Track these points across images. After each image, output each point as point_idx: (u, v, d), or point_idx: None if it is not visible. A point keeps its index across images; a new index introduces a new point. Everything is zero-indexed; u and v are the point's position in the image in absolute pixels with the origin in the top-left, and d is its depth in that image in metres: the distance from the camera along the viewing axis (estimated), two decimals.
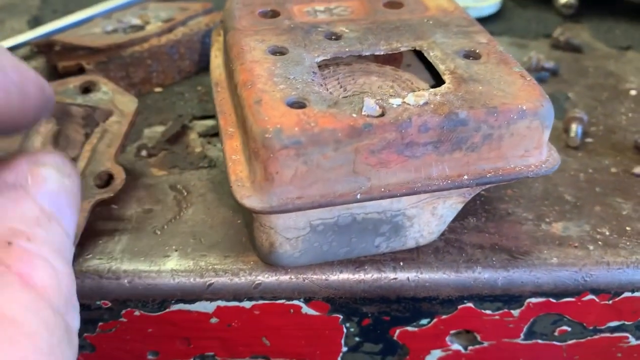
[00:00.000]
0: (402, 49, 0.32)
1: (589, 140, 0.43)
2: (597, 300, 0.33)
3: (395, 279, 0.32)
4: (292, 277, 0.32)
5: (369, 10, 0.35)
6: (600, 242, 0.34)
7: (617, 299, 0.33)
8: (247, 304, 0.33)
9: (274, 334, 0.34)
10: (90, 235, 0.34)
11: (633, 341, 0.35)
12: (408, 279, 0.32)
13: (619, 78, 0.51)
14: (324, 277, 0.32)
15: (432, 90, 0.29)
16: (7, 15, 0.60)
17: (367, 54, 0.32)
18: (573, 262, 0.33)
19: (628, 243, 0.34)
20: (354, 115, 0.27)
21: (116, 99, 0.37)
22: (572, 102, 0.47)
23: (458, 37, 0.32)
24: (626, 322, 0.35)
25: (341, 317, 0.34)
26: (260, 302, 0.33)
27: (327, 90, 0.29)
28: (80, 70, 0.45)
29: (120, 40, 0.46)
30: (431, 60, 0.31)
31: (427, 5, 0.36)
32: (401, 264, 0.32)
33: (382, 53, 0.32)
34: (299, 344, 0.35)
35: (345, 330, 0.34)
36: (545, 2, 0.63)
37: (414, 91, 0.30)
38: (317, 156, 0.26)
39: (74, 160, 0.34)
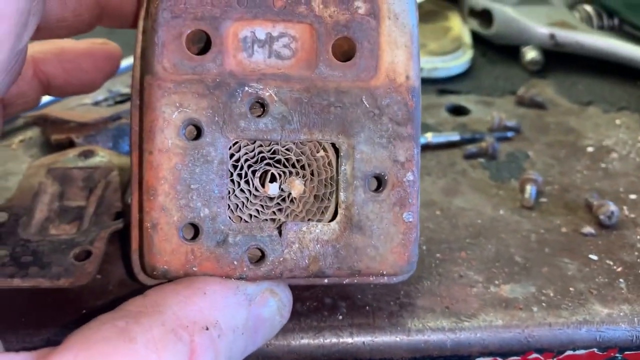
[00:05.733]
0: (323, 142, 0.32)
1: (543, 200, 0.46)
2: (541, 358, 0.36)
3: (351, 343, 0.35)
4: None
5: (312, 58, 0.32)
6: (544, 304, 0.37)
7: (560, 357, 0.36)
8: None
9: None
10: None
11: None
12: (363, 343, 0.35)
13: (579, 134, 0.54)
14: (285, 342, 0.35)
15: (321, 229, 0.32)
16: None
17: (286, 142, 0.32)
18: (517, 324, 0.35)
19: (570, 304, 0.37)
20: (235, 263, 0.31)
21: (114, 159, 0.44)
22: (531, 161, 0.50)
23: (381, 145, 0.32)
24: None
25: None
26: None
27: (227, 203, 0.31)
28: (71, 143, 0.49)
29: (106, 114, 0.49)
30: (339, 177, 0.32)
31: (379, 65, 0.32)
32: (357, 329, 0.35)
33: (300, 140, 0.32)
34: None
35: None
36: (514, 58, 0.66)
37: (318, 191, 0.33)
38: None
39: (82, 210, 0.40)
